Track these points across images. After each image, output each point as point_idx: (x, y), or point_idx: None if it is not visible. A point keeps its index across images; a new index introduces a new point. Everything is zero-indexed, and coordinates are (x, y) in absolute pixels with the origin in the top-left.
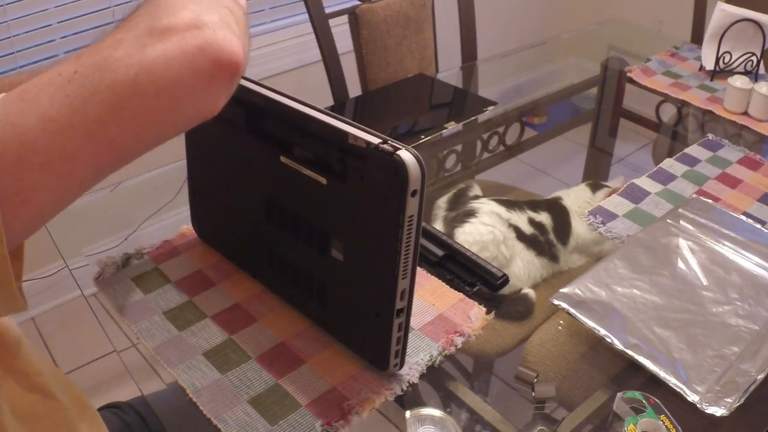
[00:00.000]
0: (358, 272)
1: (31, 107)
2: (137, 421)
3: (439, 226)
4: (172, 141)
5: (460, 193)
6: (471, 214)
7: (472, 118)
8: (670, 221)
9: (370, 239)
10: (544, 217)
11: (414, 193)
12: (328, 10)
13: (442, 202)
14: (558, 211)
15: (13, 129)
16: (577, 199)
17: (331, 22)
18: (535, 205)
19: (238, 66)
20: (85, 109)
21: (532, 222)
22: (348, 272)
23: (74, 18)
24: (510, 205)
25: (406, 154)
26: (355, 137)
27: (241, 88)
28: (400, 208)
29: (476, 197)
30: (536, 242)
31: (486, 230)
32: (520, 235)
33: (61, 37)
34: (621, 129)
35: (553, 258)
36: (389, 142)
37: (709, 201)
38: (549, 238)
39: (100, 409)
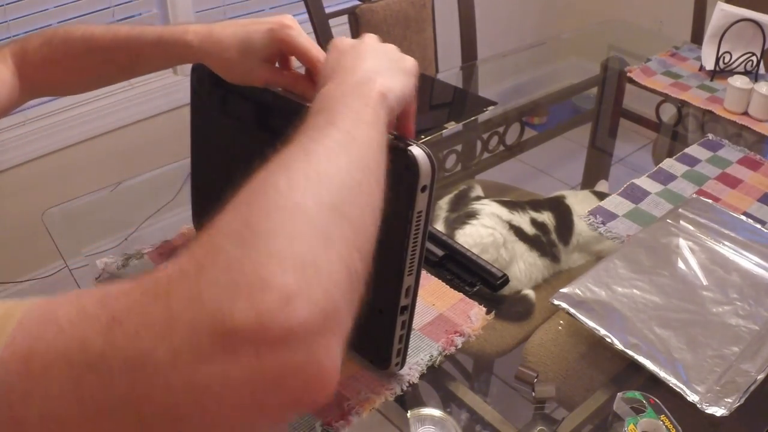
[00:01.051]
0: None
1: (37, 386)
2: None
3: (439, 227)
4: (171, 141)
5: (462, 194)
6: (472, 215)
7: (472, 118)
8: (670, 221)
9: (377, 235)
10: (546, 217)
11: (424, 189)
12: (328, 10)
13: (444, 202)
14: (561, 209)
15: (9, 413)
16: (582, 206)
17: (331, 22)
18: (538, 204)
19: (330, 394)
20: (101, 428)
21: (534, 222)
22: None
23: (74, 18)
24: (512, 206)
25: (417, 150)
26: None
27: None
28: (410, 203)
29: (478, 198)
30: (538, 243)
31: (486, 232)
32: (522, 237)
33: None
34: (621, 129)
35: (555, 259)
36: (400, 138)
37: (709, 201)
38: (551, 238)
39: None
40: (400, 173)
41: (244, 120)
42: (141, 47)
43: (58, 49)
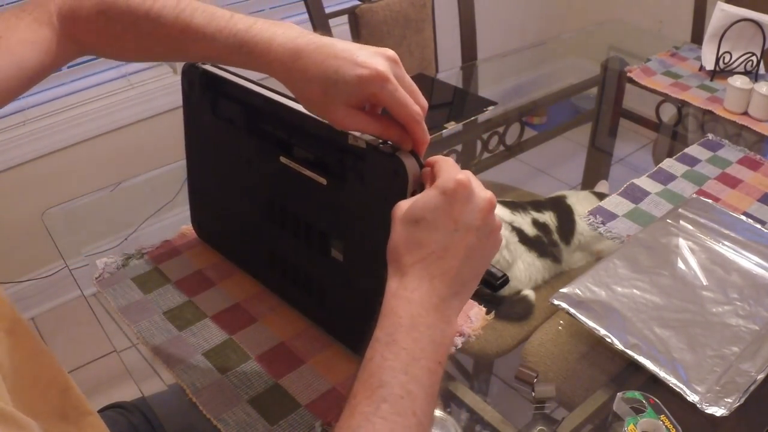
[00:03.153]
0: (357, 272)
1: None
2: (143, 423)
3: None
4: (170, 141)
5: None
6: None
7: (472, 118)
8: (670, 221)
9: (370, 240)
10: (548, 217)
11: (414, 194)
12: (328, 10)
13: None
14: (562, 209)
15: None
16: (583, 206)
17: (331, 22)
18: (539, 204)
19: None
20: None
21: (535, 223)
22: (347, 272)
23: None
24: (513, 206)
25: (405, 154)
26: (355, 137)
27: (241, 88)
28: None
29: None
30: (539, 244)
31: None
32: (523, 238)
33: None
34: (621, 129)
35: (556, 259)
36: (388, 142)
37: (709, 201)
38: (552, 238)
39: (105, 409)
40: (389, 178)
41: (235, 123)
42: (217, 51)
43: (118, 25)
